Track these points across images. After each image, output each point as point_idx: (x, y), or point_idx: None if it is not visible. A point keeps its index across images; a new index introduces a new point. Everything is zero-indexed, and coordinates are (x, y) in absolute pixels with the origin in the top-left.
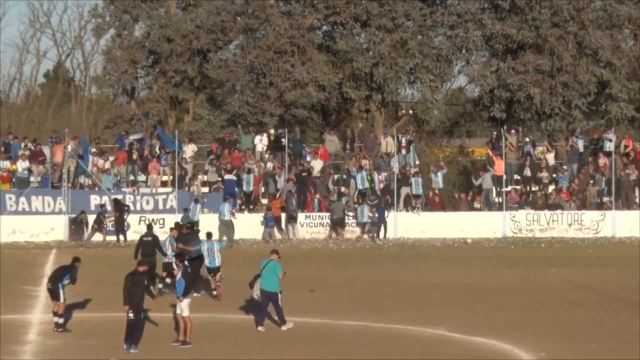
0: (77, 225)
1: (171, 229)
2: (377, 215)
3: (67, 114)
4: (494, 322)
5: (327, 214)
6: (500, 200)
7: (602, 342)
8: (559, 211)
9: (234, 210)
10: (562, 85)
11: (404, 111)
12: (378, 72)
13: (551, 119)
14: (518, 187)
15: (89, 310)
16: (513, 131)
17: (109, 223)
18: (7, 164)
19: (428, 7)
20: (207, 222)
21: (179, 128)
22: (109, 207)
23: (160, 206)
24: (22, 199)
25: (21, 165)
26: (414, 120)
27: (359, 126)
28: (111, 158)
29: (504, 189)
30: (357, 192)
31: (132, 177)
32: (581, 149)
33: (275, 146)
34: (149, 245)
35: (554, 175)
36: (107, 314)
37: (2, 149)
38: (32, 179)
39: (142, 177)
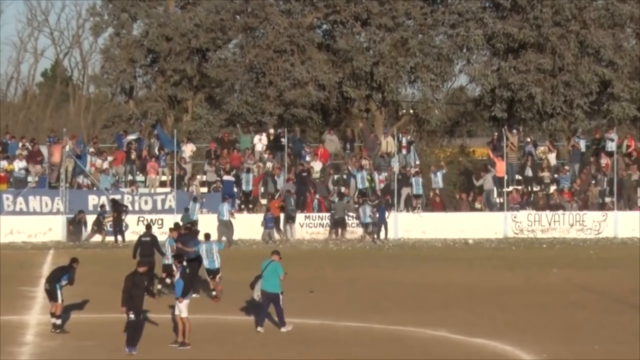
0: (75, 225)
1: (171, 229)
2: (377, 215)
3: (65, 113)
4: (495, 323)
5: (327, 214)
6: (502, 200)
7: (603, 344)
8: (560, 212)
9: (233, 211)
10: (563, 84)
11: (404, 111)
12: (378, 72)
13: (553, 119)
14: (519, 188)
15: (87, 312)
16: (514, 131)
17: (108, 224)
18: (4, 163)
19: (429, 5)
20: (206, 223)
21: (178, 128)
22: (108, 208)
23: (159, 206)
24: (20, 199)
25: (18, 165)
26: (414, 119)
27: (359, 126)
28: (110, 158)
29: (505, 190)
30: (357, 192)
31: (130, 177)
32: (583, 149)
33: (274, 146)
34: (147, 245)
35: (556, 176)
36: (106, 315)
37: (0, 148)
38: (29, 178)
39: (140, 177)
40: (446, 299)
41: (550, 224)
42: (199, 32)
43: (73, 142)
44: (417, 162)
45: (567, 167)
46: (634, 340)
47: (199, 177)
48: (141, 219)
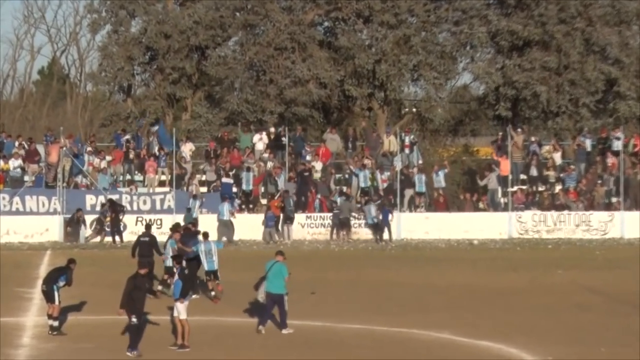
0: (73, 225)
1: (173, 231)
2: (380, 217)
3: (62, 111)
4: (500, 325)
5: (329, 215)
6: (506, 200)
7: (609, 346)
8: (566, 212)
9: (233, 210)
10: (569, 83)
11: (407, 109)
12: (380, 70)
13: (558, 118)
14: (524, 187)
15: (84, 313)
16: (519, 130)
17: (106, 224)
18: (0, 163)
19: (432, 2)
20: (206, 223)
21: (177, 126)
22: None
23: (158, 206)
24: (16, 199)
25: (13, 163)
26: (417, 118)
27: (361, 125)
28: (108, 157)
29: (510, 189)
30: (359, 192)
31: (128, 177)
32: (589, 148)
33: (275, 145)
34: (146, 245)
35: (561, 175)
36: (103, 316)
37: None
38: (26, 178)
39: (139, 177)
40: (450, 301)
41: (555, 225)
42: (198, 29)
43: (70, 141)
44: (420, 162)
45: (572, 167)
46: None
47: (198, 176)
48: (140, 219)
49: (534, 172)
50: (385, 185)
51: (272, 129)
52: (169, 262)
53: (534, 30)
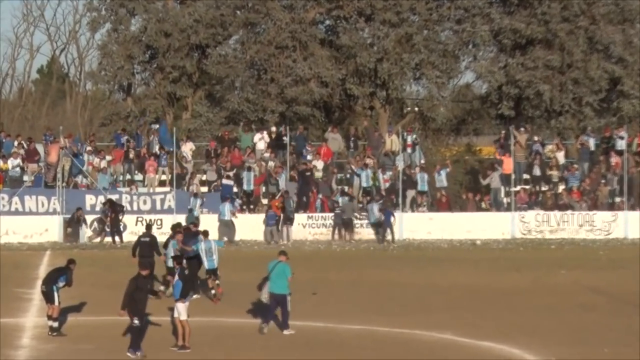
0: (73, 224)
1: (175, 232)
2: (383, 217)
3: (62, 111)
4: (503, 326)
5: (330, 215)
6: (509, 200)
7: (613, 346)
8: (569, 212)
9: (235, 210)
10: (572, 81)
11: (409, 108)
12: (382, 68)
13: (561, 117)
14: (527, 187)
15: (84, 314)
16: (522, 129)
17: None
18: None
19: (434, 0)
20: (207, 223)
21: (177, 126)
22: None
23: (158, 206)
24: (15, 199)
25: (12, 163)
26: (419, 117)
27: (363, 124)
28: (108, 157)
29: (513, 189)
30: (361, 191)
31: (128, 177)
32: (592, 148)
33: (276, 144)
34: (146, 246)
35: (565, 173)
36: (103, 317)
37: None
38: (25, 177)
39: (139, 177)
40: (452, 301)
41: (559, 225)
42: (198, 28)
43: (70, 140)
44: (422, 161)
45: (576, 166)
46: None
47: (198, 176)
48: (140, 219)
49: (537, 171)
50: (387, 185)
51: (273, 128)
52: (171, 263)
53: (537, 29)
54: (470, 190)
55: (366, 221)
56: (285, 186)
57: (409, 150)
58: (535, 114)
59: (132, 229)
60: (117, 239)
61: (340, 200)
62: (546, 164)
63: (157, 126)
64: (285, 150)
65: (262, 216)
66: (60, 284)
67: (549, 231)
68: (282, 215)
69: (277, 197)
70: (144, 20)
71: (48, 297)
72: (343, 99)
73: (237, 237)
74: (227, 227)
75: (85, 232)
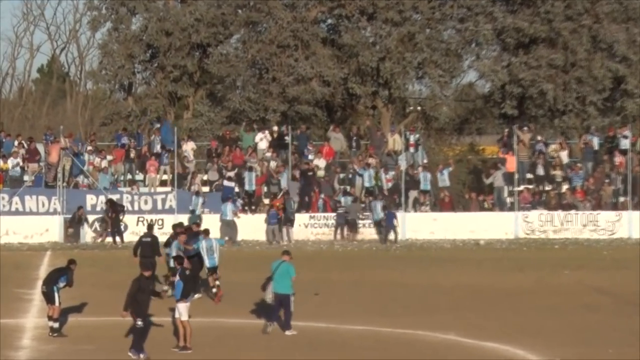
0: (74, 223)
1: (177, 233)
2: (385, 218)
3: (62, 110)
4: (506, 326)
5: (333, 214)
6: (512, 200)
7: (617, 347)
8: (573, 211)
9: (237, 210)
10: (576, 80)
11: (411, 107)
12: (385, 67)
13: (565, 116)
14: (530, 187)
15: (85, 314)
16: (526, 128)
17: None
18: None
19: None
20: (209, 223)
21: (178, 125)
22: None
23: (159, 206)
24: (16, 199)
25: (12, 162)
26: (422, 117)
27: (365, 123)
28: (109, 157)
29: (516, 189)
30: (364, 191)
31: (129, 176)
32: (596, 147)
33: (278, 144)
34: (147, 246)
35: (569, 172)
36: (104, 318)
37: None
38: (25, 177)
39: (140, 177)
40: (455, 301)
41: (562, 224)
42: (199, 27)
43: (70, 140)
44: (425, 161)
45: (579, 166)
46: None
47: (200, 175)
48: (141, 219)
49: (540, 171)
50: (389, 185)
51: (275, 128)
52: (173, 263)
53: (540, 28)
54: (473, 190)
55: (369, 221)
56: (287, 186)
57: (411, 149)
58: (538, 113)
59: (133, 229)
60: (117, 239)
61: (342, 200)
62: (549, 164)
63: (159, 125)
64: (287, 150)
65: (264, 216)
66: (61, 285)
67: (552, 231)
68: (283, 215)
69: (279, 197)
70: (145, 19)
71: (48, 297)
72: (345, 98)
73: (238, 238)
74: (229, 227)
75: (87, 232)
